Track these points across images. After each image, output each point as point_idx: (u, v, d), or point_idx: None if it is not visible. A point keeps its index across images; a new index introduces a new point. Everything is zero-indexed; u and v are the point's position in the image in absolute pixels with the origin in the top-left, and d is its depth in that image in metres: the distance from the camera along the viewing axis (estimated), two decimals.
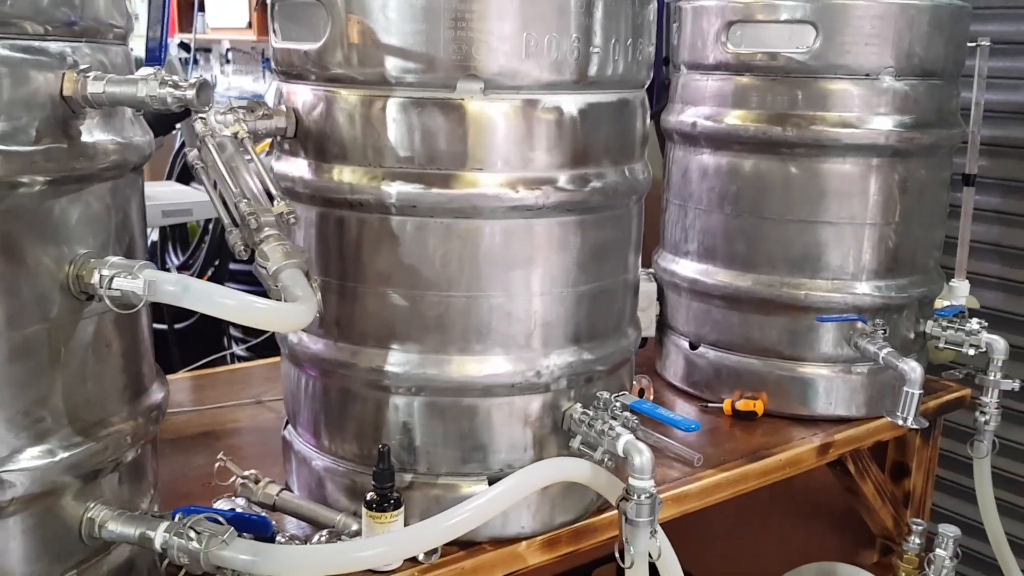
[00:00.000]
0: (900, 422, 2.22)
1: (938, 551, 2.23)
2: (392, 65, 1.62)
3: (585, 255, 1.78)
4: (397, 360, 1.73)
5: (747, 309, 2.44)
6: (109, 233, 1.41)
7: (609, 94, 1.76)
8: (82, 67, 1.31)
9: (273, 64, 1.82)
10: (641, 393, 2.43)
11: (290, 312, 1.40)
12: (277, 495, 1.83)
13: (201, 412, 2.37)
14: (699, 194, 2.47)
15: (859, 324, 2.34)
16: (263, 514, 1.78)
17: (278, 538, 1.66)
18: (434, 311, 1.71)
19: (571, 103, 1.70)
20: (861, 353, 2.34)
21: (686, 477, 2.12)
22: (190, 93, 1.27)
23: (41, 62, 1.28)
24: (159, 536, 1.38)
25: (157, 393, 1.59)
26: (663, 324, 2.66)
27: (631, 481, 1.68)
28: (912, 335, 2.49)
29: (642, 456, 1.67)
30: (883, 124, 2.31)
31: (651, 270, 2.68)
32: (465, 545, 1.79)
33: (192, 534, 1.37)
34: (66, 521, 1.39)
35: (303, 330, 1.83)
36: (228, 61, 6.24)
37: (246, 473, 1.85)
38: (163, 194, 3.08)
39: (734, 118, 2.38)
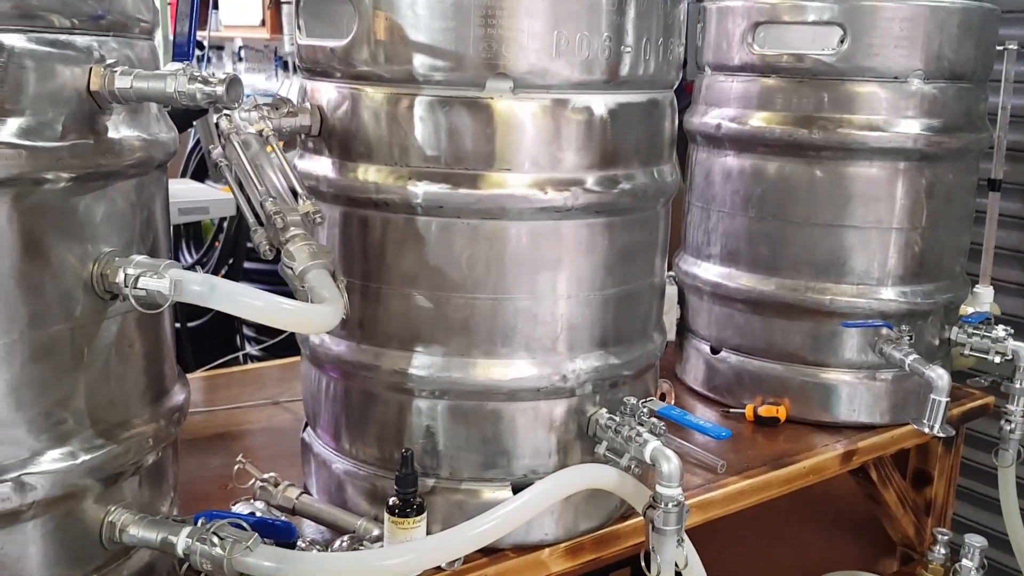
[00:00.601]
0: (927, 430, 2.19)
1: (964, 561, 2.20)
2: (420, 63, 1.60)
3: (612, 258, 1.75)
4: (421, 363, 1.70)
5: (770, 313, 2.41)
6: (134, 231, 1.39)
7: (639, 94, 1.73)
8: (109, 62, 1.28)
9: (297, 61, 1.80)
10: (663, 397, 2.40)
11: (317, 313, 1.37)
12: (297, 499, 1.80)
13: (216, 413, 2.34)
14: (722, 197, 2.44)
15: (884, 330, 2.31)
16: (284, 518, 1.76)
17: (298, 543, 1.63)
18: (459, 313, 1.68)
19: (601, 103, 1.67)
20: (886, 359, 2.30)
21: (709, 484, 2.09)
22: (220, 89, 1.25)
23: (68, 56, 1.25)
24: (181, 541, 1.35)
25: (179, 394, 1.56)
26: (684, 328, 2.63)
27: (658, 488, 1.65)
28: (937, 341, 2.46)
29: (670, 463, 1.64)
30: (911, 128, 2.27)
31: (671, 273, 2.65)
32: (488, 552, 1.76)
33: (216, 540, 1.34)
34: (87, 525, 1.37)
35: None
36: (241, 59, 6.22)
37: (265, 476, 1.83)
38: (179, 191, 3.05)
39: (759, 120, 2.35)
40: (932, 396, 2.18)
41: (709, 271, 2.49)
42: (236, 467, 1.83)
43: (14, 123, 1.20)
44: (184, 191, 3.12)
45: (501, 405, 1.72)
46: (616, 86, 1.68)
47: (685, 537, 1.73)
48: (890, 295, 2.34)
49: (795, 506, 3.03)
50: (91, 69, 1.26)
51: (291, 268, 1.44)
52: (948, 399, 2.17)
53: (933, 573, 2.28)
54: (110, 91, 1.26)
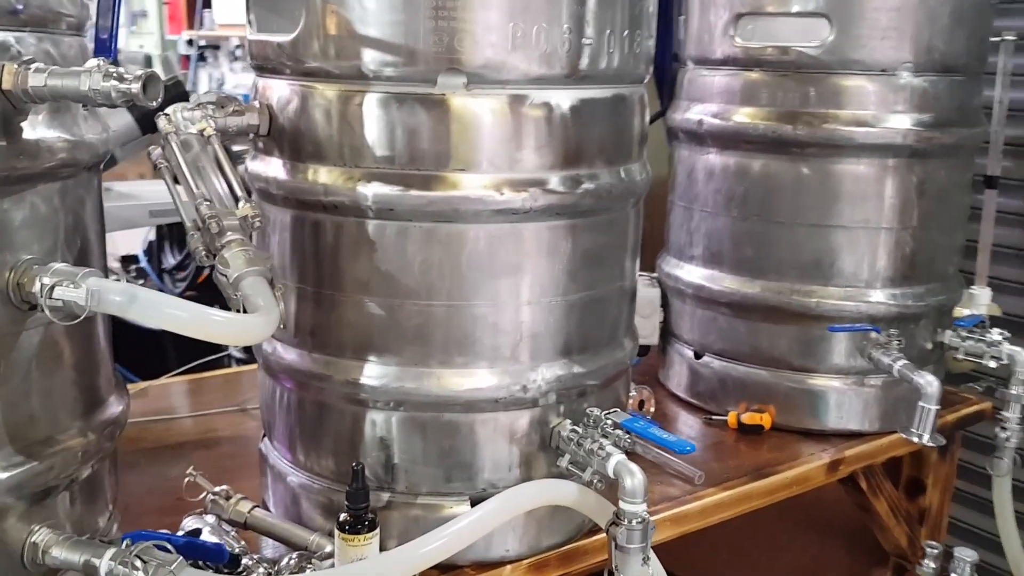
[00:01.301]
0: (915, 439, 2.10)
1: None
2: (370, 58, 1.52)
3: (576, 262, 1.66)
4: (374, 373, 1.63)
5: (755, 317, 2.32)
6: (57, 238, 1.32)
7: (603, 89, 1.64)
8: (25, 58, 1.21)
9: (248, 58, 1.72)
10: (641, 405, 2.32)
11: (248, 324, 1.30)
12: (249, 512, 1.73)
13: (181, 420, 2.28)
14: (705, 196, 2.35)
15: (873, 334, 2.22)
16: (233, 532, 1.69)
17: (245, 560, 1.56)
18: (413, 321, 1.60)
19: (562, 98, 1.58)
20: (875, 365, 2.21)
21: (686, 496, 2.00)
22: (135, 87, 1.17)
23: None
24: (104, 564, 1.28)
25: (115, 406, 1.49)
26: (667, 332, 2.55)
27: (622, 505, 1.57)
28: (930, 345, 2.36)
29: (634, 478, 1.56)
30: (900, 123, 2.18)
31: (655, 275, 2.56)
32: (445, 569, 1.69)
33: (138, 563, 1.27)
34: (8, 546, 1.30)
35: (277, 339, 1.73)
36: (236, 59, 6.16)
37: (217, 489, 1.75)
38: (151, 193, 2.98)
39: (742, 116, 2.26)
40: (921, 403, 2.09)
41: (692, 273, 2.41)
42: (186, 479, 1.76)
43: None
44: (156, 192, 3.05)
45: (458, 416, 1.65)
46: (577, 80, 1.59)
47: (652, 555, 1.65)
48: (879, 298, 2.25)
49: (787, 514, 2.95)
50: (3, 67, 1.19)
51: (225, 275, 1.37)
52: (938, 407, 2.08)
53: None
54: (23, 90, 1.19)
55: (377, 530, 1.60)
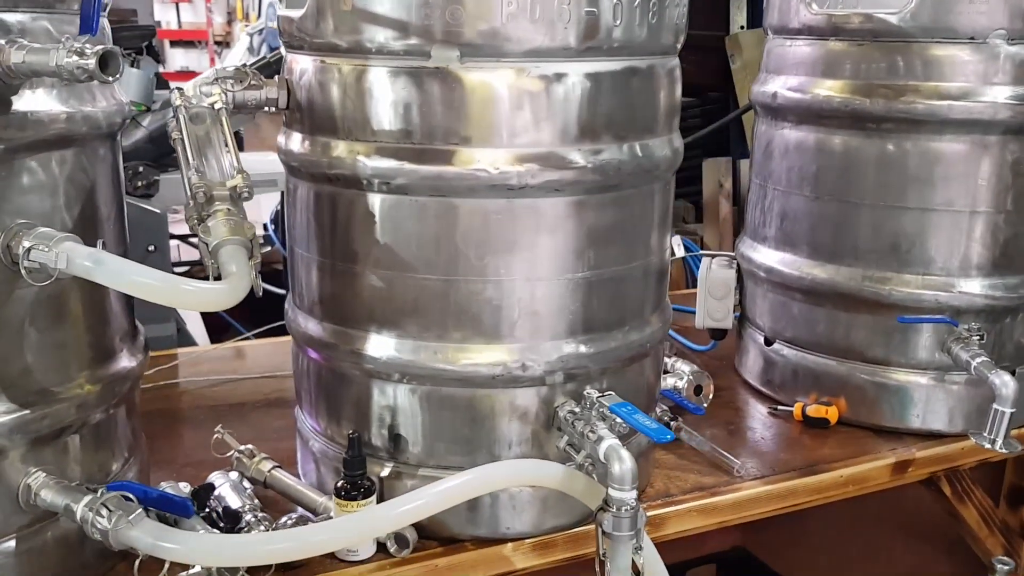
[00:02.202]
0: (986, 444, 1.92)
1: None
2: (368, 32, 1.53)
3: (582, 240, 1.62)
4: (377, 344, 1.65)
5: (828, 304, 2.18)
6: (56, 204, 1.41)
7: (612, 62, 1.58)
8: (14, 37, 1.30)
9: (279, 32, 1.78)
10: (698, 390, 2.23)
11: (213, 293, 1.34)
12: (268, 472, 1.81)
13: (246, 381, 2.39)
14: (779, 173, 2.22)
15: (956, 328, 2.04)
16: (250, 490, 1.77)
17: (248, 518, 1.63)
18: (410, 294, 1.61)
19: (562, 71, 1.54)
20: (953, 360, 2.04)
21: (720, 487, 1.92)
22: (92, 63, 1.23)
23: None
24: (79, 510, 1.38)
25: (126, 361, 1.59)
26: (743, 317, 2.43)
27: (610, 491, 1.52)
28: None
29: (622, 464, 1.51)
30: (994, 95, 1.98)
31: (732, 255, 2.46)
32: (446, 541, 1.71)
33: (104, 511, 1.36)
34: (7, 485, 1.41)
35: (299, 308, 1.79)
36: None
37: (242, 447, 1.84)
38: (269, 163, 3.08)
39: (820, 88, 2.12)
40: (995, 406, 1.90)
41: (764, 255, 2.29)
42: (215, 437, 1.86)
43: None
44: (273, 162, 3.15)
45: (456, 391, 1.65)
46: (580, 53, 1.54)
47: (647, 543, 1.60)
48: (965, 288, 2.06)
49: (886, 518, 2.78)
50: None
51: (206, 243, 1.42)
52: (1013, 410, 1.89)
53: None
54: (7, 67, 1.27)
55: (373, 497, 1.64)
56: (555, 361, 1.64)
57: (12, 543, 1.43)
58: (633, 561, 1.56)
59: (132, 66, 2.96)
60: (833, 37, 2.08)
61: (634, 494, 1.52)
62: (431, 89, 1.53)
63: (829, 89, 2.10)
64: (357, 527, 1.48)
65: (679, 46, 1.73)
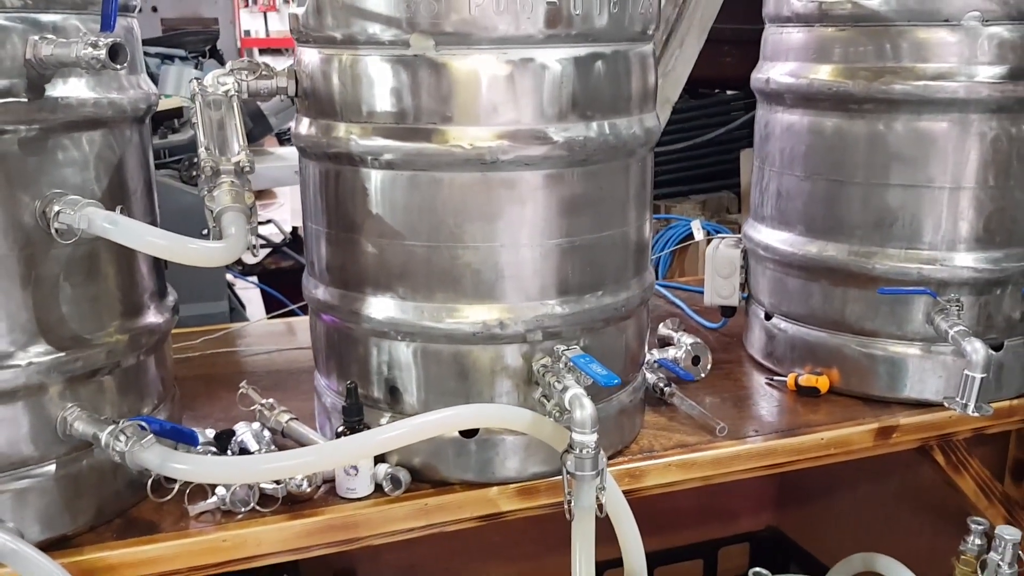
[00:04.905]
0: (959, 409, 2.00)
1: (993, 555, 1.98)
2: (358, 25, 1.73)
3: (553, 210, 1.79)
4: (374, 305, 1.84)
5: (821, 279, 2.28)
6: (86, 178, 1.65)
7: (574, 48, 1.74)
8: (47, 34, 1.54)
9: (289, 30, 1.99)
10: (696, 361, 2.36)
11: (211, 250, 1.56)
12: (286, 423, 2.02)
13: (288, 352, 2.62)
14: (774, 155, 2.34)
15: (935, 299, 2.12)
16: (268, 438, 1.98)
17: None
18: (400, 259, 1.80)
19: (529, 57, 1.71)
20: (935, 331, 2.12)
21: (700, 444, 2.05)
22: (102, 53, 1.46)
23: (16, 29, 1.52)
24: (104, 436, 1.61)
25: (154, 316, 1.82)
26: (749, 295, 2.55)
27: (573, 435, 1.68)
28: (1018, 314, 2.21)
29: (583, 411, 1.67)
30: (974, 75, 2.06)
31: (740, 236, 2.57)
32: (437, 484, 1.88)
33: (122, 437, 1.59)
34: (47, 417, 1.65)
35: (311, 276, 1.99)
36: None
37: (263, 401, 2.06)
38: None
39: (813, 73, 2.22)
40: (966, 371, 1.98)
41: (764, 234, 2.40)
42: (239, 391, 2.08)
43: None
44: None
45: (443, 347, 1.83)
46: (545, 40, 1.70)
47: (611, 483, 1.75)
48: (950, 261, 2.14)
49: (905, 495, 2.85)
50: (26, 40, 1.53)
51: (211, 210, 1.64)
52: (984, 375, 1.97)
53: (965, 566, 2.06)
54: (38, 59, 1.52)
55: None
56: (531, 320, 1.81)
57: (52, 467, 1.67)
58: (598, 500, 1.71)
59: (196, 67, 3.23)
60: (820, 24, 2.19)
61: (595, 437, 1.68)
62: (412, 75, 1.72)
63: (817, 73, 2.21)
64: (341, 449, 1.67)
65: (649, 33, 1.87)
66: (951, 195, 2.12)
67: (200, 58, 3.30)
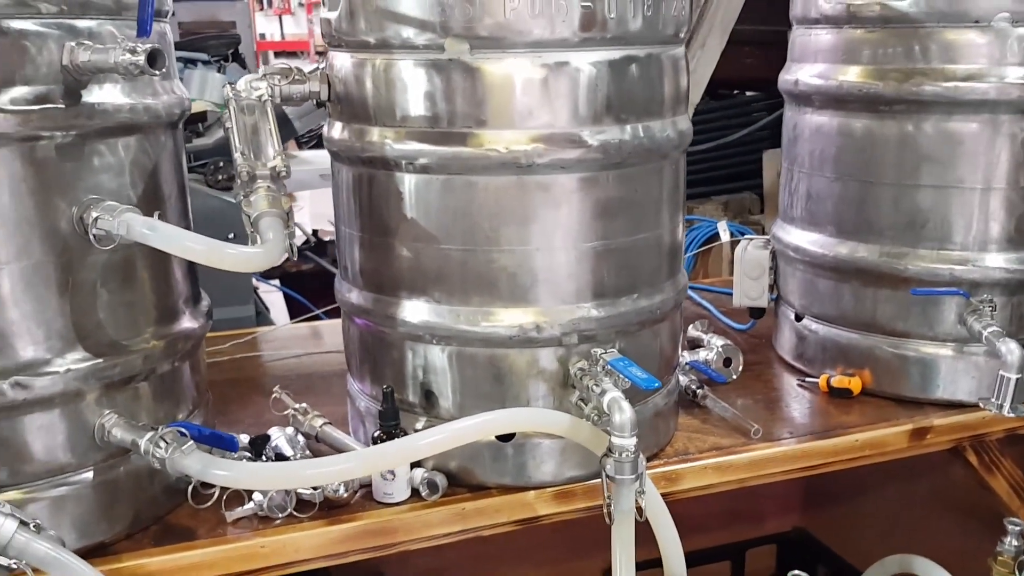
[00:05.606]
0: (994, 410, 1.98)
1: None
2: (392, 30, 1.72)
3: (589, 213, 1.78)
4: (409, 309, 1.84)
5: (852, 280, 2.27)
6: (122, 183, 1.65)
7: (609, 51, 1.73)
8: (83, 40, 1.54)
9: (321, 34, 1.99)
10: (727, 363, 2.35)
11: (250, 255, 1.56)
12: (320, 427, 2.01)
13: (316, 355, 2.62)
14: (803, 156, 2.33)
15: (967, 300, 2.11)
16: (302, 443, 1.97)
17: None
18: (435, 263, 1.80)
19: (564, 60, 1.70)
20: (968, 331, 2.11)
21: (736, 447, 2.04)
22: (141, 59, 1.46)
23: (52, 36, 1.52)
24: (143, 443, 1.61)
25: (189, 322, 1.82)
26: (778, 296, 2.54)
27: (612, 439, 1.68)
28: None
29: (623, 414, 1.66)
30: (1005, 76, 2.05)
31: (768, 237, 2.56)
32: (474, 488, 1.88)
33: (162, 443, 1.59)
34: (84, 424, 1.65)
35: (344, 280, 1.99)
36: None
37: (296, 406, 2.06)
38: (321, 157, 3.33)
39: (839, 74, 2.22)
40: (1001, 372, 1.97)
41: (794, 235, 2.39)
42: (273, 396, 2.08)
43: (6, 92, 1.49)
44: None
45: (479, 351, 1.82)
46: (580, 43, 1.70)
47: (650, 487, 1.74)
48: (982, 262, 2.13)
49: (938, 496, 2.83)
50: (64, 46, 1.53)
51: (248, 215, 1.64)
52: (1019, 375, 1.95)
53: (1002, 567, 2.05)
54: (75, 65, 1.52)
55: None
56: (567, 324, 1.80)
57: (90, 474, 1.67)
58: (637, 504, 1.71)
59: (219, 72, 3.24)
60: (849, 25, 2.18)
61: (634, 441, 1.67)
62: (447, 79, 1.71)
63: (847, 75, 2.20)
64: (381, 455, 1.67)
65: (681, 35, 1.87)
66: (982, 196, 2.11)
67: (223, 62, 3.30)
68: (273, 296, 3.59)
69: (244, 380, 2.45)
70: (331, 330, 2.91)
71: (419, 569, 2.84)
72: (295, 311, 3.37)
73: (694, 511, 2.84)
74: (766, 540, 3.38)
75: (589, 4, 1.68)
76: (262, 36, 11.31)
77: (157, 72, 1.48)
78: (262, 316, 3.20)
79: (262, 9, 11.36)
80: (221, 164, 3.11)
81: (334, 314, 2.95)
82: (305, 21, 12.36)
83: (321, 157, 3.39)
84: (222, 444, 1.63)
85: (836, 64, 2.23)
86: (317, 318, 3.02)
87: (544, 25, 1.67)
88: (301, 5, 12.02)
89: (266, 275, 3.70)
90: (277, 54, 11.40)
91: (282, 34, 11.89)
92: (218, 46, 3.54)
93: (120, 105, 1.62)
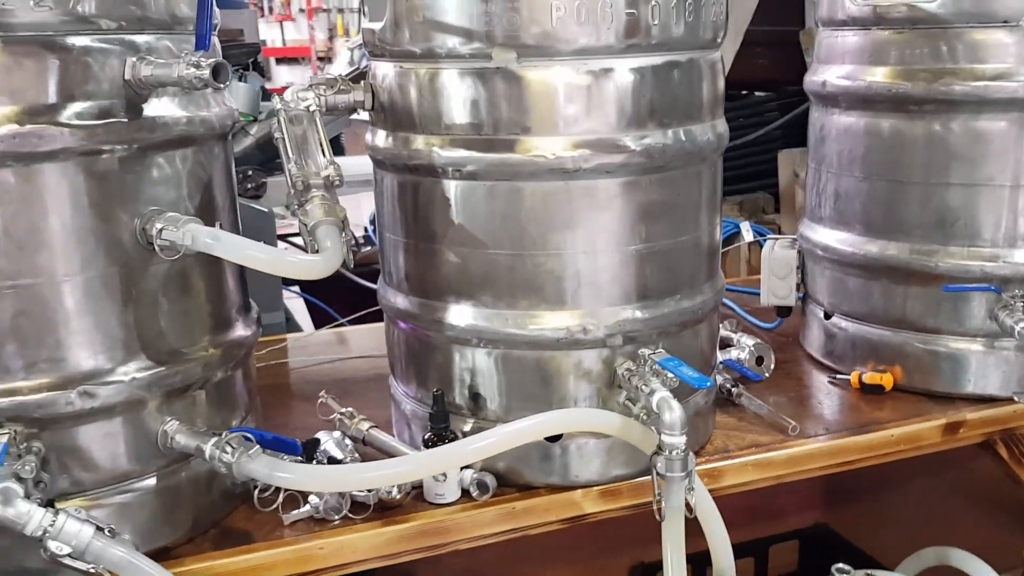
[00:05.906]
0: None
1: None
2: (438, 39, 1.76)
3: (632, 216, 1.82)
4: (456, 313, 1.87)
5: (882, 278, 2.31)
6: (180, 194, 1.68)
7: (652, 57, 1.77)
8: (143, 55, 1.58)
9: (363, 44, 2.03)
10: (760, 361, 2.39)
11: (311, 263, 1.59)
12: (367, 431, 2.05)
13: (347, 361, 2.65)
14: (831, 157, 2.37)
15: (998, 295, 2.15)
16: (351, 446, 2.00)
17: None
18: (482, 268, 1.83)
19: (609, 67, 1.74)
20: (1000, 327, 2.15)
21: (775, 444, 2.08)
22: (206, 73, 1.49)
23: (113, 51, 1.55)
24: (208, 449, 1.64)
25: (241, 330, 1.85)
26: (806, 294, 2.58)
27: (662, 437, 1.71)
28: None
29: (672, 413, 1.70)
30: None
31: (794, 236, 2.60)
32: (522, 488, 1.91)
33: (228, 448, 1.62)
34: (147, 431, 1.69)
35: (388, 286, 2.03)
36: None
37: (343, 410, 2.09)
38: (355, 165, 3.35)
39: (867, 75, 2.26)
40: None
41: (822, 234, 2.43)
42: (319, 401, 2.11)
43: (69, 107, 1.53)
44: (359, 164, 3.45)
45: (526, 353, 1.86)
46: (625, 50, 1.74)
47: (698, 485, 1.78)
48: (1012, 258, 2.17)
49: (966, 493, 2.87)
50: (126, 61, 1.56)
51: (305, 224, 1.67)
52: None
53: None
54: (138, 79, 1.55)
55: None
56: (613, 325, 1.84)
57: (153, 480, 1.70)
58: (687, 501, 1.74)
59: (240, 80, 3.27)
60: (876, 27, 2.22)
61: (684, 439, 1.71)
62: (494, 87, 1.75)
63: (875, 75, 2.24)
64: (438, 458, 1.70)
65: (719, 40, 1.91)
66: (1011, 193, 2.15)
67: (243, 71, 3.33)
68: (294, 302, 3.61)
69: (282, 386, 2.49)
70: (356, 336, 2.95)
71: (450, 569, 2.87)
72: (316, 316, 3.40)
73: (718, 508, 2.88)
74: (788, 536, 3.41)
75: (633, 11, 1.72)
76: (264, 43, 11.37)
77: (222, 85, 1.52)
78: (292, 323, 3.23)
79: (263, 16, 11.41)
80: (250, 173, 3.14)
81: (360, 320, 2.99)
82: (306, 27, 12.41)
83: (346, 164, 3.42)
84: (285, 448, 1.66)
85: (863, 65, 2.27)
86: (351, 321, 3.05)
87: (590, 32, 1.71)
88: (302, 11, 12.09)
89: (286, 281, 3.72)
90: (279, 60, 11.45)
91: (283, 40, 11.94)
92: (238, 55, 3.57)
93: (178, 118, 1.65)
